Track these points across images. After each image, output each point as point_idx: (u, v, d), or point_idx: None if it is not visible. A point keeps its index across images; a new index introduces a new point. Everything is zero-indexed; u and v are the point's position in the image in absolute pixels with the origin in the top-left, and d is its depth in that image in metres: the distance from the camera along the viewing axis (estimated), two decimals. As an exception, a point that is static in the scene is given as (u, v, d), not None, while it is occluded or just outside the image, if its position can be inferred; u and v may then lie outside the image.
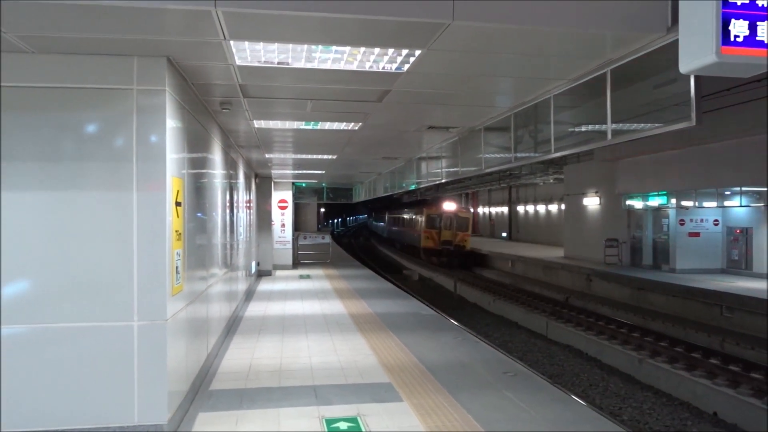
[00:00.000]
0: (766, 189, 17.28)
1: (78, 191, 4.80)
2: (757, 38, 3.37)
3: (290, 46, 4.80)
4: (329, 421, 5.45)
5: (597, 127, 5.88)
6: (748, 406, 8.95)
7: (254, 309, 12.03)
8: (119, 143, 4.85)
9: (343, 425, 5.36)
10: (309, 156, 13.41)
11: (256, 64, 5.34)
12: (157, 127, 4.90)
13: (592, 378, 11.41)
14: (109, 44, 4.60)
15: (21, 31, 4.26)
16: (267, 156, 13.16)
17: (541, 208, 35.31)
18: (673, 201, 20.27)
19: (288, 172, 17.65)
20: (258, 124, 8.69)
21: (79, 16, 4.01)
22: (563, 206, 27.65)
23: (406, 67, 5.43)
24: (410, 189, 18.95)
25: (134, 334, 4.84)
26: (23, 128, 4.72)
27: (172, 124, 5.09)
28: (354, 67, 5.43)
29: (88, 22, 4.14)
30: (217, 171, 8.22)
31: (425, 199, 42.72)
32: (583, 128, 6.42)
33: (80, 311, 4.79)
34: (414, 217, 36.67)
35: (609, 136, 5.54)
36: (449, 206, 32.98)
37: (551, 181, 30.73)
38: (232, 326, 10.01)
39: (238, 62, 5.26)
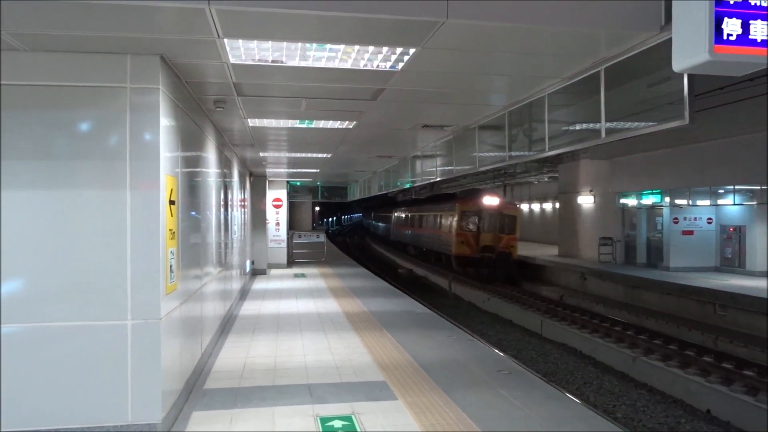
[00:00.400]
0: (759, 187, 17.36)
1: (71, 190, 4.78)
2: (750, 37, 3.38)
3: (284, 44, 4.79)
4: (324, 420, 5.45)
5: (591, 125, 5.89)
6: (742, 403, 8.99)
7: (249, 308, 12.01)
8: (113, 141, 4.83)
9: (337, 423, 5.36)
10: (303, 154, 13.40)
11: (250, 63, 5.33)
12: (151, 125, 4.88)
13: (586, 376, 11.43)
14: (103, 42, 4.58)
15: (14, 29, 4.23)
16: (261, 154, 13.14)
17: (536, 207, 35.38)
18: (667, 199, 20.35)
19: (282, 170, 17.63)
20: (252, 122, 8.67)
21: (73, 13, 3.99)
22: (557, 205, 27.70)
23: (401, 65, 5.43)
24: (405, 187, 18.97)
25: (128, 333, 4.82)
26: (16, 126, 4.68)
27: (165, 122, 5.07)
28: (348, 65, 5.43)
29: (81, 20, 4.13)
30: (211, 169, 8.20)
31: (450, 192, 34.21)
32: (578, 127, 6.43)
33: (73, 310, 4.76)
34: (439, 214, 28.20)
35: (603, 134, 5.55)
36: (491, 200, 24.97)
37: (546, 179, 30.82)
38: (227, 325, 9.99)
39: (232, 60, 5.24)
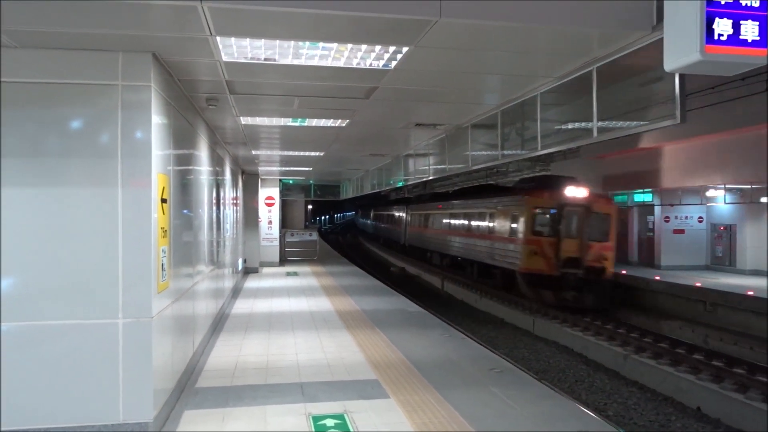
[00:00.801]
0: (749, 186, 17.49)
1: (62, 188, 4.75)
2: (741, 37, 3.41)
3: (277, 42, 4.78)
4: (316, 418, 5.45)
5: (583, 124, 5.92)
6: (731, 400, 9.05)
7: (241, 306, 11.99)
8: (104, 139, 4.80)
9: (329, 422, 5.36)
10: (296, 153, 13.38)
11: (243, 61, 5.32)
12: (143, 123, 4.86)
13: (578, 374, 11.48)
14: (94, 39, 4.56)
15: (4, 26, 4.20)
16: (254, 153, 13.11)
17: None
18: (659, 198, 20.49)
19: (275, 168, 17.61)
20: (245, 120, 8.65)
21: (64, 10, 3.97)
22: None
23: (394, 63, 5.43)
24: (397, 186, 18.90)
25: (119, 332, 4.80)
26: (6, 124, 4.65)
27: (157, 120, 5.05)
28: (341, 63, 5.42)
29: (72, 17, 4.10)
30: (203, 168, 8.18)
31: (495, 184, 25.75)
32: (570, 126, 6.45)
33: (64, 309, 4.74)
34: (491, 212, 20.01)
35: (595, 133, 5.58)
36: (576, 192, 17.05)
37: (538, 178, 30.82)
38: (219, 323, 9.97)
39: (225, 58, 5.23)
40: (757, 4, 3.42)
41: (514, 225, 17.98)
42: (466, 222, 22.65)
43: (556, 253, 16.67)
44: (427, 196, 32.28)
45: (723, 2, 3.38)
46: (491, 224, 19.78)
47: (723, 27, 3.38)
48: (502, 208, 19.09)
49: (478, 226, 21.07)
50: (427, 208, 29.28)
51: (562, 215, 16.87)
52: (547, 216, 17.10)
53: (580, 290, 16.39)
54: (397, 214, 37.42)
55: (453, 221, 24.39)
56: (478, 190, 24.36)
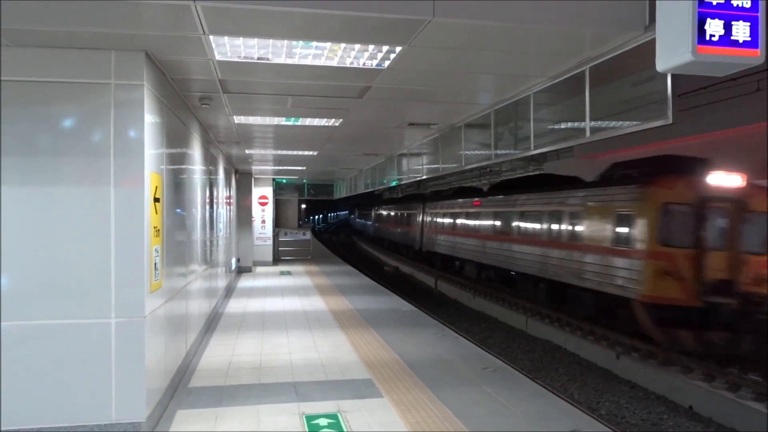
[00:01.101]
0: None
1: (54, 187, 4.73)
2: (732, 38, 3.43)
3: (270, 41, 4.78)
4: (309, 418, 5.45)
5: (576, 124, 5.94)
6: (723, 399, 9.10)
7: (234, 305, 11.97)
8: (96, 138, 4.79)
9: (323, 422, 5.36)
10: (289, 152, 13.37)
11: (236, 60, 5.31)
12: (135, 122, 4.84)
13: (570, 373, 11.52)
14: (87, 38, 4.54)
15: (-5, 24, 4.19)
16: (247, 152, 13.09)
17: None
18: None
19: (268, 168, 17.58)
20: (238, 119, 8.63)
21: (57, 8, 3.95)
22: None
23: (387, 63, 5.43)
24: (391, 185, 18.90)
25: (112, 332, 4.79)
26: (-2, 122, 4.64)
27: (150, 119, 5.04)
28: (334, 63, 5.42)
29: (65, 16, 4.09)
30: (196, 167, 8.16)
31: (554, 174, 19.29)
32: (563, 125, 6.47)
33: (57, 308, 4.72)
34: (581, 209, 13.83)
35: (588, 133, 5.60)
36: (725, 180, 11.46)
37: (531, 177, 30.82)
38: (212, 323, 9.95)
39: (218, 57, 5.22)
40: (748, 5, 3.44)
41: (625, 229, 12.14)
42: (527, 225, 16.89)
43: (698, 274, 11.15)
44: (453, 191, 25.89)
45: (714, 3, 3.40)
46: (579, 228, 13.90)
47: (714, 27, 3.41)
48: (598, 205, 13.18)
49: (552, 230, 15.23)
50: (457, 206, 23.13)
51: (705, 215, 11.36)
52: (687, 216, 11.38)
53: (734, 329, 10.96)
54: (408, 213, 30.88)
55: (504, 223, 18.52)
56: (536, 181, 18.81)
